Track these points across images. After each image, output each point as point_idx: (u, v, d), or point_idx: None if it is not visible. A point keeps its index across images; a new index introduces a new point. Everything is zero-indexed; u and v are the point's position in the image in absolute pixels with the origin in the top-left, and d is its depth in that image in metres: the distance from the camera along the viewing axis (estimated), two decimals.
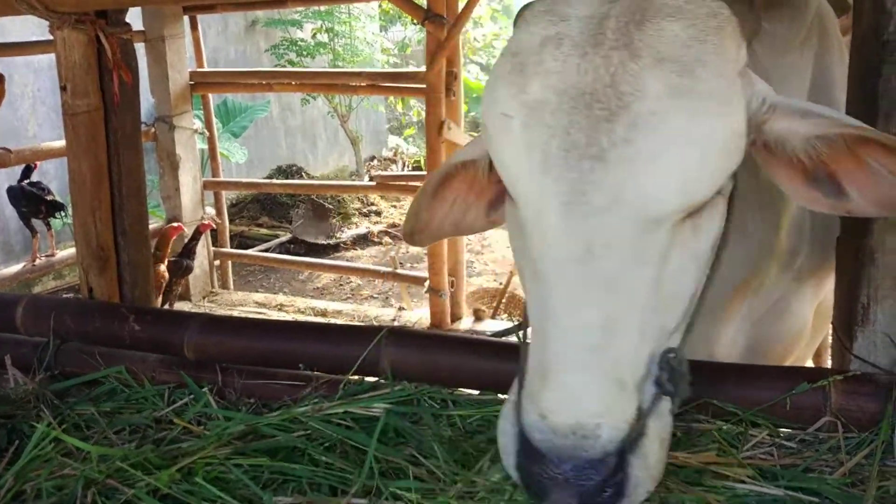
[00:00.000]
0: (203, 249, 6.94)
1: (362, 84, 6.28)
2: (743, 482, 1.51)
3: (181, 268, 6.56)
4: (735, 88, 1.17)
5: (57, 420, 1.92)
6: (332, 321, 6.38)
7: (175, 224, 6.59)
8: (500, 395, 1.88)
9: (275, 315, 6.88)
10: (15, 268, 6.57)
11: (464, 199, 1.60)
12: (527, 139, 1.17)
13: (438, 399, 1.88)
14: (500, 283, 7.49)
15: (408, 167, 12.86)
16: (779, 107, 1.29)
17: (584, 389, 1.12)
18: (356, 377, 1.97)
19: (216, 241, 7.58)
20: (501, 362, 1.85)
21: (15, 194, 6.52)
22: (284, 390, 2.00)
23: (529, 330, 1.27)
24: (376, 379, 1.96)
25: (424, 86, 5.70)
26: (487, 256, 9.64)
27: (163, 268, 6.33)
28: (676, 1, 1.17)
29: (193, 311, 5.49)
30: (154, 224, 7.49)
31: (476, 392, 1.92)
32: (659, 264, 1.17)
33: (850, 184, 1.29)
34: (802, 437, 1.66)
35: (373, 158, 13.74)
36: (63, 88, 2.39)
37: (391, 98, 12.33)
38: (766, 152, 1.31)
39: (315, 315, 7.03)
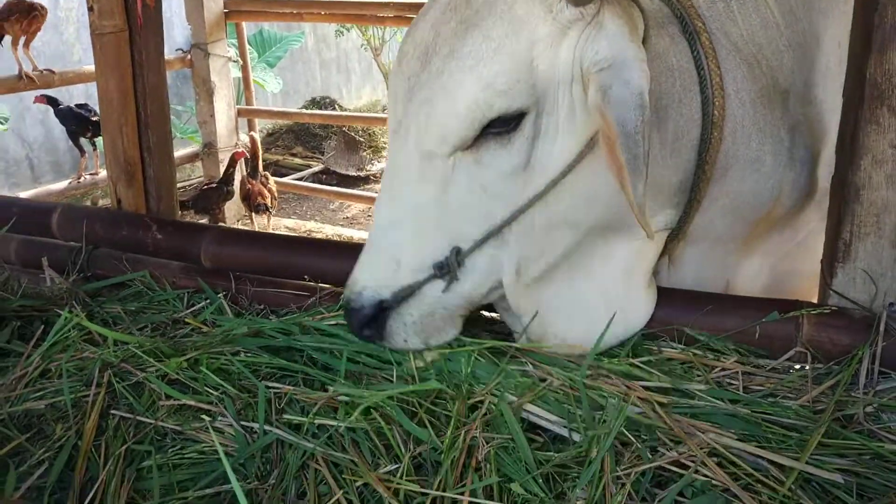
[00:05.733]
0: (238, 176, 7.08)
1: (389, 15, 6.22)
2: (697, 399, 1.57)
3: (222, 193, 6.75)
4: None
5: (87, 316, 2.05)
6: None
7: (239, 149, 6.85)
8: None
9: None
10: (62, 184, 6.86)
11: None
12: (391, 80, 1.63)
13: None
14: None
15: None
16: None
17: (365, 264, 1.59)
18: None
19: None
20: None
21: (64, 115, 6.75)
22: (291, 299, 2.12)
23: None
24: None
25: None
26: None
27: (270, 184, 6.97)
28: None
29: None
30: (192, 149, 7.67)
31: None
32: (439, 188, 1.53)
33: None
34: (773, 367, 1.70)
35: None
36: (90, 9, 2.47)
37: None
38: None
39: None
